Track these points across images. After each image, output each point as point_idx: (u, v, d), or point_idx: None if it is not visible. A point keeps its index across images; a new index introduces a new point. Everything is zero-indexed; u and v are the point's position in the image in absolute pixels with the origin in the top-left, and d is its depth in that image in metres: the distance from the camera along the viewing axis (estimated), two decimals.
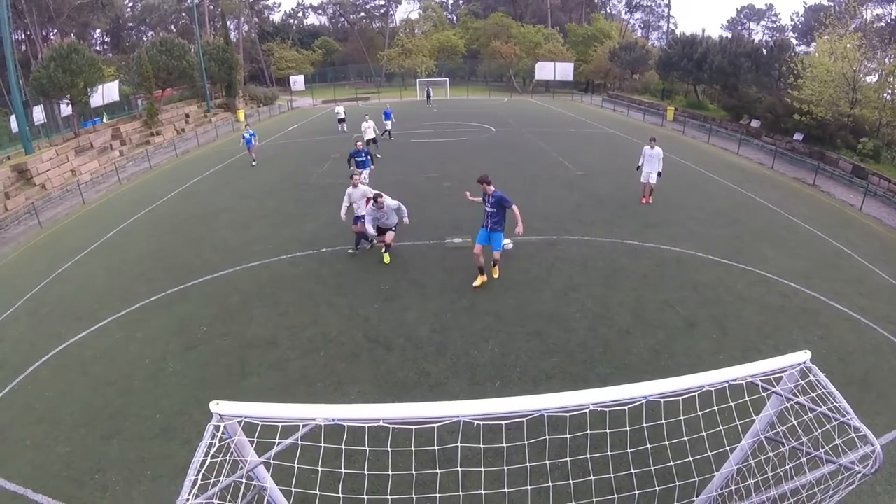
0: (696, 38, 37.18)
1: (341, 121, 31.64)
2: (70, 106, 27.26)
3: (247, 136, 22.88)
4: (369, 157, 16.23)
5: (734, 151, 25.06)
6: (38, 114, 28.13)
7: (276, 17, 73.08)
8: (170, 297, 10.59)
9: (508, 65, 59.85)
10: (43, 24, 49.22)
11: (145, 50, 34.53)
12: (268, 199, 17.14)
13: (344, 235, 13.29)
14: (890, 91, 22.84)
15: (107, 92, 31.49)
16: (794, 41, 50.55)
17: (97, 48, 57.76)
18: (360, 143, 16.11)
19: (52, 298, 11.14)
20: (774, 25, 64.74)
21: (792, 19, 61.04)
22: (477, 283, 10.39)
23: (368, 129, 22.26)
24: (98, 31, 59.84)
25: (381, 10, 74.20)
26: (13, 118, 24.39)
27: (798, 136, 25.27)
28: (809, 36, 39.64)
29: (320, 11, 75.76)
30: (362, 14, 75.61)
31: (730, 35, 39.49)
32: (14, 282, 12.31)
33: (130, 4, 63.33)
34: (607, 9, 75.29)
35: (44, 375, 8.31)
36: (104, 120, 31.47)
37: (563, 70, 54.67)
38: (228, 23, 56.72)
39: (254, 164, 22.53)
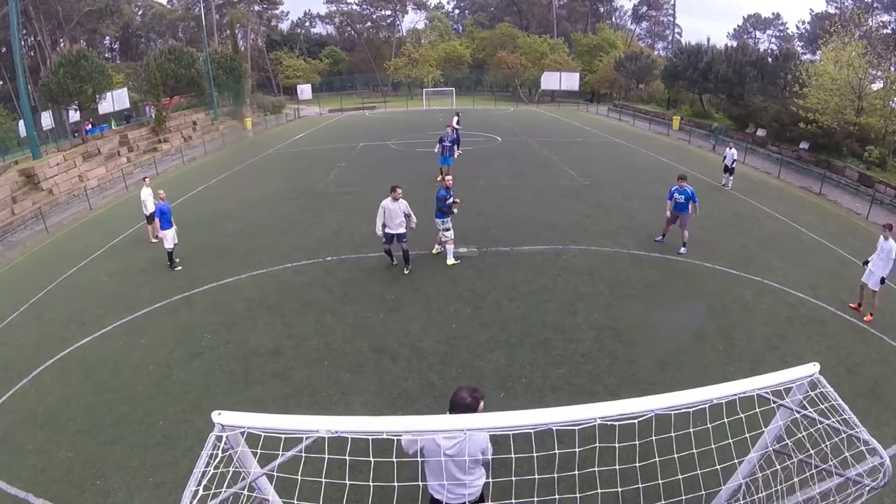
0: (702, 47, 37.20)
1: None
2: (79, 112, 27.49)
3: (160, 207, 12.36)
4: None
5: (740, 161, 24.93)
6: (47, 119, 28.41)
7: (284, 26, 73.70)
8: (175, 304, 10.61)
9: (514, 75, 59.99)
10: (52, 30, 49.78)
11: (154, 57, 34.80)
12: (274, 207, 17.18)
13: (350, 244, 13.32)
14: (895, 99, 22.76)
15: (117, 99, 31.75)
16: (801, 49, 50.47)
17: (106, 55, 58.28)
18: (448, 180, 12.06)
19: (57, 303, 11.18)
20: (781, 34, 64.65)
21: (798, 27, 60.72)
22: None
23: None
24: (107, 38, 60.45)
25: (388, 20, 74.62)
26: (21, 123, 24.62)
27: (804, 145, 25.20)
28: (815, 44, 39.62)
29: (327, 21, 76.24)
30: (369, 24, 76.04)
31: (735, 44, 39.50)
32: (20, 286, 12.36)
33: (140, 12, 64.00)
34: (613, 19, 75.51)
35: (47, 380, 8.32)
36: (112, 126, 31.77)
37: (569, 80, 54.79)
38: (236, 31, 57.13)
39: (154, 238, 14.13)
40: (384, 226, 11.07)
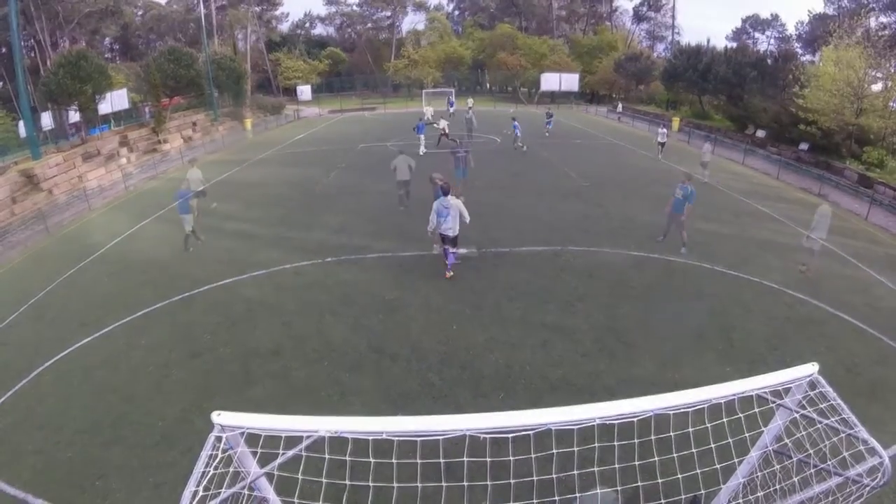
0: (701, 48, 37.27)
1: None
2: (78, 112, 27.43)
3: (178, 193, 13.57)
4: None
5: (739, 162, 24.99)
6: (46, 120, 28.35)
7: (284, 27, 73.66)
8: (174, 305, 10.61)
9: (514, 75, 59.96)
10: (52, 31, 49.76)
11: (153, 58, 34.75)
12: (274, 207, 17.19)
13: (350, 245, 13.33)
14: (895, 100, 22.77)
15: (116, 100, 31.63)
16: (800, 50, 50.42)
17: (106, 55, 58.25)
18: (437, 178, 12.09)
19: (56, 303, 11.17)
20: (780, 35, 64.53)
21: (797, 28, 60.61)
22: None
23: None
24: (107, 38, 60.46)
25: (388, 22, 74.63)
26: (21, 123, 24.60)
27: (804, 146, 25.22)
28: (815, 45, 39.62)
29: (327, 22, 76.19)
30: (369, 25, 76.02)
31: (735, 45, 39.56)
32: (19, 286, 12.34)
33: (140, 13, 64.00)
34: (612, 20, 75.52)
35: (47, 380, 8.31)
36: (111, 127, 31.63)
37: (569, 81, 54.75)
38: (236, 32, 57.13)
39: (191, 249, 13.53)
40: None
